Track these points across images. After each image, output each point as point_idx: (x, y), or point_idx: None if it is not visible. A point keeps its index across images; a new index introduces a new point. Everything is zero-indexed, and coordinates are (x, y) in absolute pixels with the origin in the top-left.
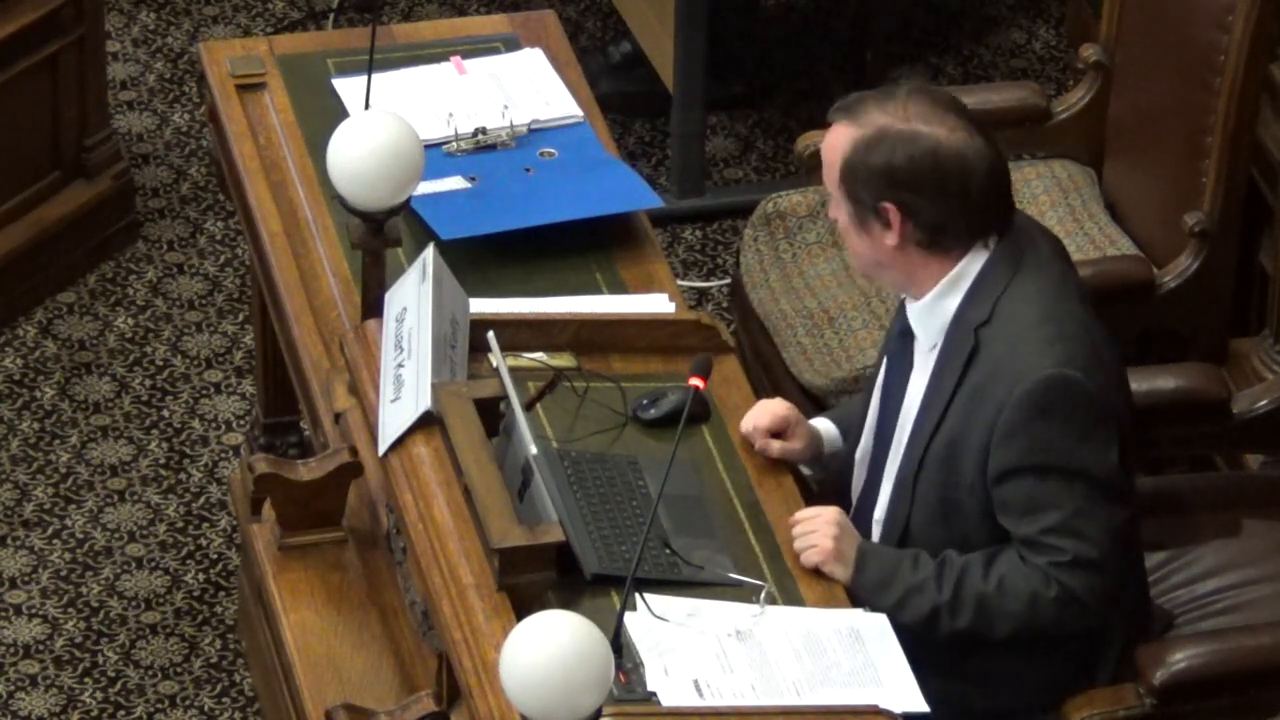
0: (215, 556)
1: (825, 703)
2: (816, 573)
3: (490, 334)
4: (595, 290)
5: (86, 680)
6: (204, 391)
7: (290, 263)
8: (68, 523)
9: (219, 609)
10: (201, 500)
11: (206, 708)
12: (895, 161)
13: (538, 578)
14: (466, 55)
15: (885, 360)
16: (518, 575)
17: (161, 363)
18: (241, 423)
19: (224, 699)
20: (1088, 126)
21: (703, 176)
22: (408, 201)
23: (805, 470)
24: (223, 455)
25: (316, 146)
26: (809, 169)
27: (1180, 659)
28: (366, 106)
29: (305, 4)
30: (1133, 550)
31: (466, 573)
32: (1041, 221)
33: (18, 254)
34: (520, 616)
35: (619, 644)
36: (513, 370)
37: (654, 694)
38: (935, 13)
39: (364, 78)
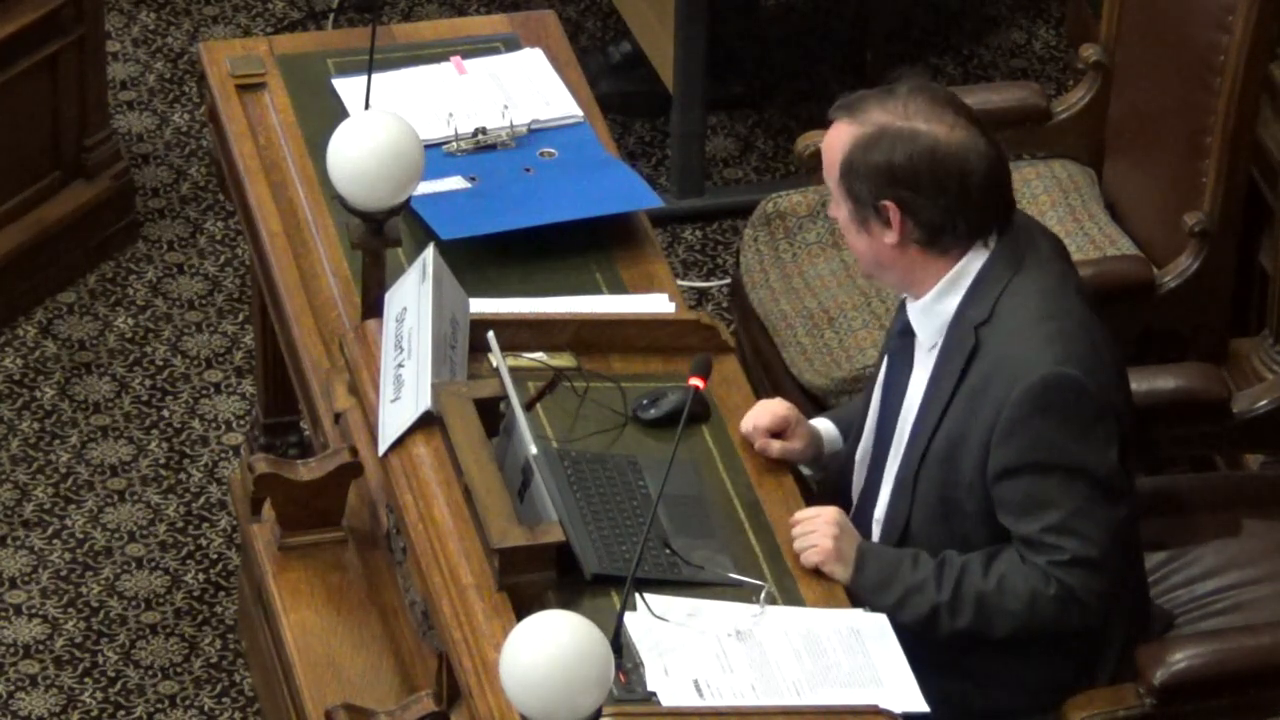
0: (215, 556)
1: (825, 703)
2: (816, 573)
3: (490, 334)
4: (595, 290)
5: (86, 680)
6: (204, 391)
7: (290, 263)
8: (68, 523)
9: (219, 609)
10: (201, 500)
11: (206, 708)
12: (895, 159)
13: (538, 578)
14: (466, 55)
15: (886, 360)
16: (518, 575)
17: (161, 363)
18: (241, 423)
19: (224, 699)
20: (1088, 126)
21: (703, 176)
22: (408, 201)
23: (805, 470)
24: (223, 455)
25: (316, 146)
26: (809, 169)
27: (1180, 659)
28: (366, 106)
29: (305, 4)
30: (1132, 550)
31: (466, 573)
32: (1041, 221)
33: (18, 254)
34: (520, 616)
35: (619, 644)
36: (513, 370)
37: (654, 694)
38: (935, 13)
39: (364, 78)
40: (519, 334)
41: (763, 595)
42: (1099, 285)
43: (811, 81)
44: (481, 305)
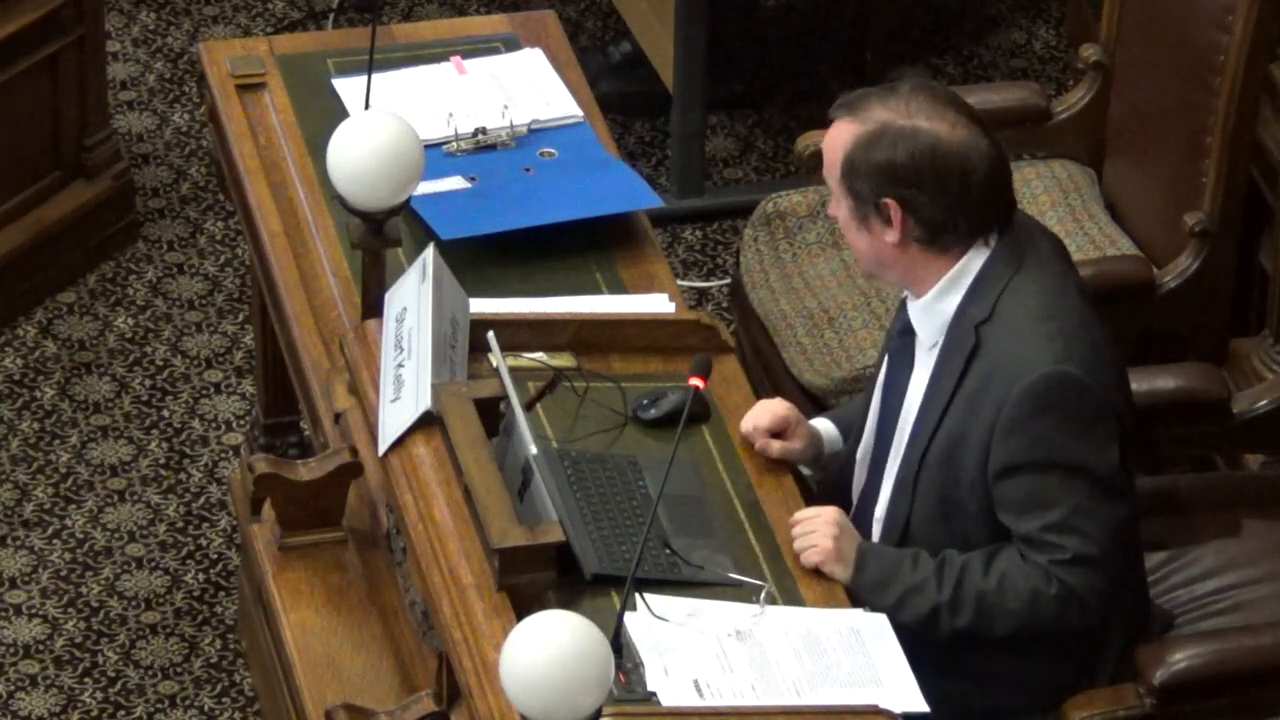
0: (215, 556)
1: (825, 703)
2: (816, 573)
3: (490, 334)
4: (595, 290)
5: (86, 680)
6: (204, 391)
7: (290, 263)
8: (68, 523)
9: (219, 609)
10: (201, 500)
11: (206, 708)
12: (896, 158)
13: (538, 578)
14: (466, 55)
15: (886, 359)
16: (518, 575)
17: (161, 363)
18: (241, 423)
19: (224, 699)
20: (1088, 126)
21: (703, 176)
22: (408, 201)
23: (805, 470)
24: (223, 455)
25: (316, 146)
26: (809, 169)
27: (1180, 659)
28: (366, 106)
29: (305, 4)
30: (1132, 549)
31: (466, 573)
32: (1041, 221)
33: (18, 254)
34: (520, 616)
35: (619, 644)
36: (513, 370)
37: (654, 694)
38: (935, 13)
39: (364, 78)
40: (519, 334)
41: (763, 595)
42: (1099, 285)
43: (811, 81)
44: (481, 305)
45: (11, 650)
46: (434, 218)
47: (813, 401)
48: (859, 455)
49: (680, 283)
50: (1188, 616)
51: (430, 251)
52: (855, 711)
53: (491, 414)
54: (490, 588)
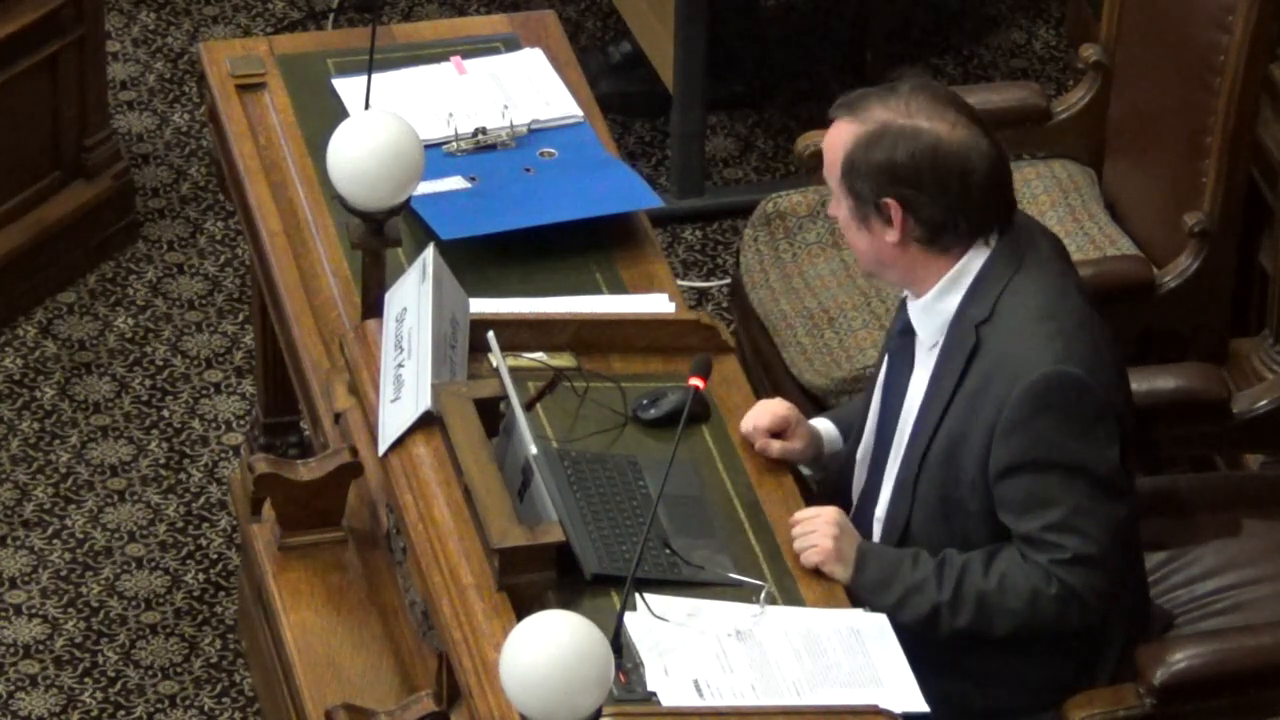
0: (215, 556)
1: (825, 703)
2: (816, 573)
3: (490, 334)
4: (595, 290)
5: (86, 680)
6: (204, 391)
7: (290, 263)
8: (68, 523)
9: (219, 609)
10: (201, 500)
11: (206, 708)
12: (897, 157)
13: (538, 578)
14: (466, 55)
15: (886, 359)
16: (518, 575)
17: (161, 363)
18: (241, 423)
19: (224, 699)
20: (1088, 126)
21: (703, 176)
22: (408, 201)
23: (805, 470)
24: (223, 455)
25: (316, 146)
26: (809, 169)
27: (1180, 659)
28: (366, 106)
29: (305, 4)
30: (1133, 549)
31: (466, 573)
32: (1041, 221)
33: (18, 254)
34: (520, 616)
35: (619, 644)
36: (513, 370)
37: (654, 694)
38: (935, 13)
39: (364, 78)
40: (519, 334)
41: (763, 595)
42: (1099, 285)
43: (811, 81)
44: (481, 305)
45: (11, 650)
46: (434, 218)
47: (813, 401)
48: (859, 455)
49: (680, 283)
50: (1188, 616)
51: (430, 251)
52: (855, 711)
53: (491, 414)
54: (490, 588)
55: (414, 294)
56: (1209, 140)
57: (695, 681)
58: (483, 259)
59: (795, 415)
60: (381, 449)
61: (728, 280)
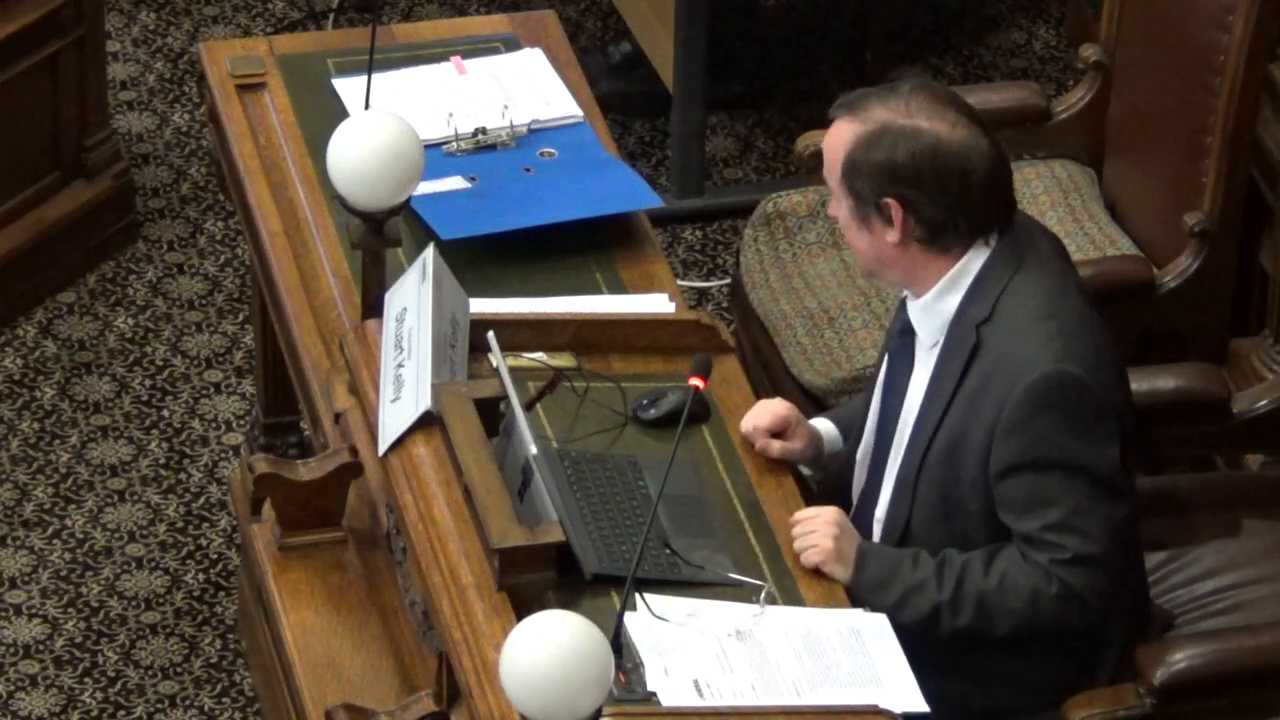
0: (215, 556)
1: (825, 703)
2: (816, 573)
3: (490, 334)
4: (595, 290)
5: (86, 680)
6: (204, 391)
7: (290, 263)
8: (68, 523)
9: (219, 609)
10: (201, 500)
11: (206, 708)
12: (897, 157)
13: (538, 578)
14: (466, 55)
15: (886, 359)
16: (518, 575)
17: (161, 363)
18: (241, 423)
19: (224, 699)
20: (1088, 126)
21: (703, 176)
22: (408, 201)
23: (805, 470)
24: (223, 455)
25: (316, 146)
26: (809, 169)
27: (1180, 659)
28: (366, 106)
29: (305, 4)
30: (1132, 549)
31: (466, 573)
32: (1041, 221)
33: (18, 254)
34: (520, 616)
35: (619, 644)
36: (513, 370)
37: (654, 694)
38: (935, 13)
39: (364, 78)
40: (519, 334)
41: (763, 595)
42: (1099, 285)
43: (811, 81)
44: (481, 305)
45: (11, 650)
46: (434, 218)
47: (813, 401)
48: (859, 455)
49: (680, 283)
50: (1188, 616)
51: (430, 251)
52: (855, 711)
53: (491, 414)
54: (490, 588)
55: (414, 294)
56: (1209, 140)
57: (695, 681)
58: (483, 259)
59: (795, 415)
60: (381, 449)
61: (728, 280)
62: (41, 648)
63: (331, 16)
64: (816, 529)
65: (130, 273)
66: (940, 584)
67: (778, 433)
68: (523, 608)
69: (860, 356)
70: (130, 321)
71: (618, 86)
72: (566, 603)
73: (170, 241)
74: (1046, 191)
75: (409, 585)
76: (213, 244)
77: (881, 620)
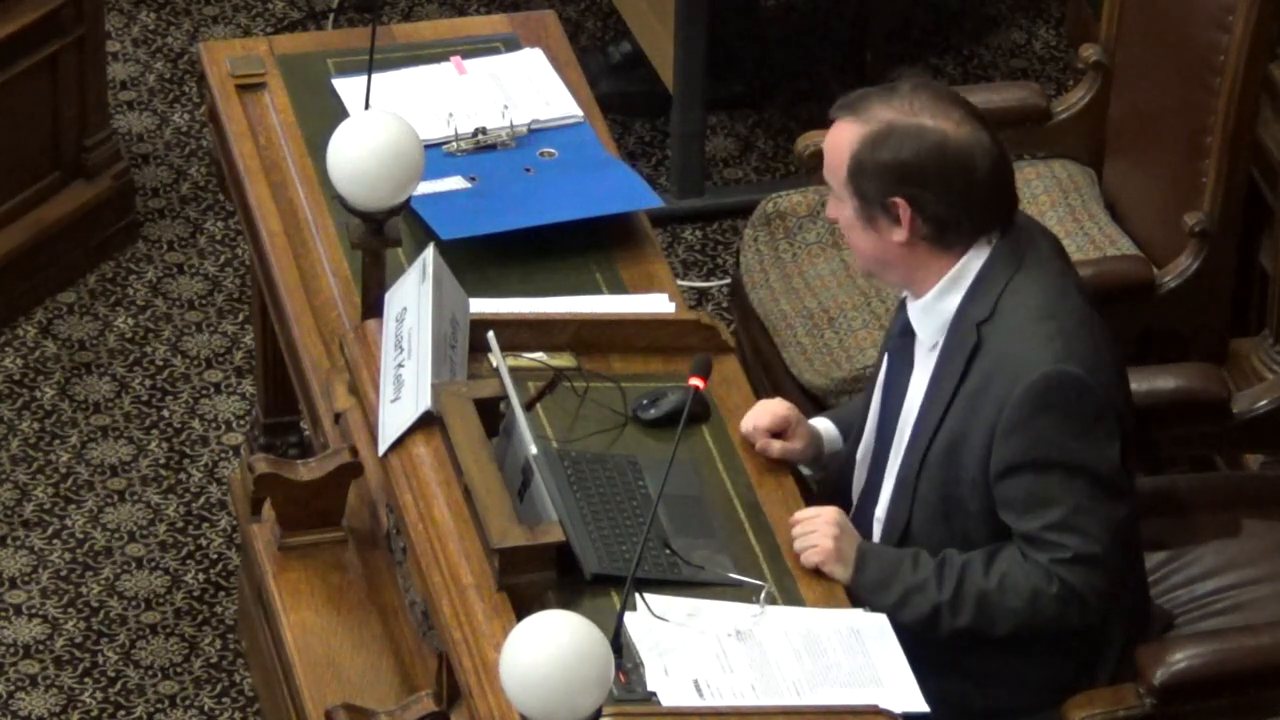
0: (215, 556)
1: (825, 703)
2: (816, 573)
3: (490, 334)
4: (595, 290)
5: (86, 680)
6: (204, 391)
7: (290, 263)
8: (68, 523)
9: (219, 609)
10: (201, 500)
11: (206, 708)
12: (903, 156)
13: (538, 578)
14: (466, 55)
15: (886, 359)
16: (518, 575)
17: (161, 363)
18: (241, 423)
19: (224, 699)
20: (1088, 126)
21: (703, 176)
22: (408, 201)
23: (805, 470)
24: (223, 455)
25: (316, 146)
26: (809, 169)
27: (1180, 659)
28: (366, 106)
29: (305, 4)
30: (1132, 549)
31: (466, 573)
32: (1041, 221)
33: (18, 254)
34: (520, 616)
35: (619, 644)
36: (513, 370)
37: (654, 694)
38: (935, 13)
39: (364, 78)
40: (519, 334)
41: (763, 595)
42: (1099, 285)
43: (811, 81)
44: (481, 305)
45: (11, 650)
46: (434, 218)
47: (813, 401)
48: (859, 455)
49: (680, 283)
50: (1188, 616)
51: (430, 251)
52: (855, 711)
53: (491, 414)
54: (490, 588)
55: (414, 294)
56: (1209, 140)
57: (695, 681)
58: (483, 259)
59: (795, 415)
60: (381, 449)
61: (728, 280)
62: (41, 648)
63: (331, 16)
64: (816, 529)
65: (130, 273)
66: (940, 584)
67: (778, 433)
68: (523, 608)
69: (860, 356)
70: (130, 321)
71: (618, 86)
72: (566, 603)
73: (170, 241)
74: (1046, 191)
75: (409, 585)
76: (213, 244)
77: (881, 620)
